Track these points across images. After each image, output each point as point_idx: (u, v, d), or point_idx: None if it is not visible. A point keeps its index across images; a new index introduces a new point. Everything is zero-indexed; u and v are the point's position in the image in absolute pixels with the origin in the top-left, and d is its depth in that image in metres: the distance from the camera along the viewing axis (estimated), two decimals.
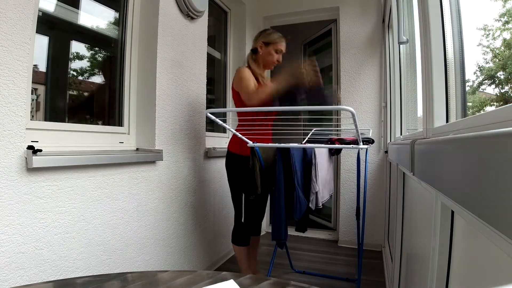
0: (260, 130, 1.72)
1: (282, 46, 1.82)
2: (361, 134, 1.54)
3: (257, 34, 1.87)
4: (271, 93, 1.61)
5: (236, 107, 1.84)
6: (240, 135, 1.63)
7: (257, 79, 1.79)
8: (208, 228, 2.19)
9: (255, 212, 1.86)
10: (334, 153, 2.14)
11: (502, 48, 0.87)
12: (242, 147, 1.77)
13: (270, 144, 1.69)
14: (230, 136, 1.90)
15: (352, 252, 2.61)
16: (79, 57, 1.50)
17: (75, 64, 1.49)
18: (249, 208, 1.82)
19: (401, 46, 1.97)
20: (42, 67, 1.31)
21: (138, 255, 1.54)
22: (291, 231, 3.11)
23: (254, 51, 1.83)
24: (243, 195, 1.82)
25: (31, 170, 1.05)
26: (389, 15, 2.29)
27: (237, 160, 1.79)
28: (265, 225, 3.20)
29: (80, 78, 1.53)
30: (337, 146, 1.72)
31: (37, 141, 1.18)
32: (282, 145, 1.62)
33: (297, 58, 3.98)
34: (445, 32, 0.84)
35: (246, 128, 1.71)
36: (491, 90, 0.92)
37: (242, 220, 1.85)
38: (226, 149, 1.86)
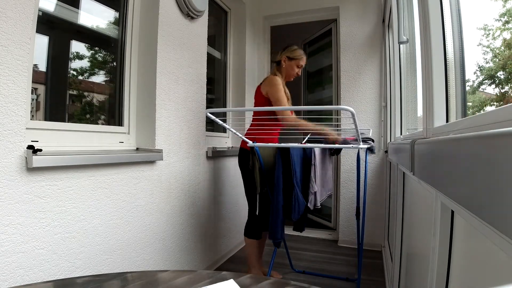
0: (271, 130, 1.82)
1: (304, 61, 1.97)
2: (361, 134, 1.54)
3: (283, 48, 2.02)
4: (301, 128, 1.82)
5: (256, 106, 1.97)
6: (240, 135, 1.64)
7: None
8: (208, 227, 2.19)
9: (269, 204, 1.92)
10: (334, 153, 2.13)
11: (502, 48, 0.87)
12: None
13: (270, 144, 1.69)
14: (229, 135, 1.92)
15: (352, 251, 2.61)
16: (79, 57, 1.50)
17: (75, 64, 1.49)
18: (263, 200, 1.90)
19: (401, 46, 1.97)
20: (42, 67, 1.31)
21: (138, 255, 1.54)
22: (292, 231, 3.11)
23: (278, 63, 1.98)
24: (258, 188, 1.88)
25: (31, 169, 1.05)
26: (389, 15, 2.29)
27: (248, 155, 1.87)
28: None
29: (80, 78, 1.53)
30: (337, 146, 1.72)
31: (37, 141, 1.18)
32: (282, 144, 1.62)
33: None
34: (445, 32, 0.84)
35: (257, 128, 1.81)
36: (491, 90, 0.92)
37: (257, 213, 1.91)
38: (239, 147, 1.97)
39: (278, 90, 1.83)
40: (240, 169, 1.97)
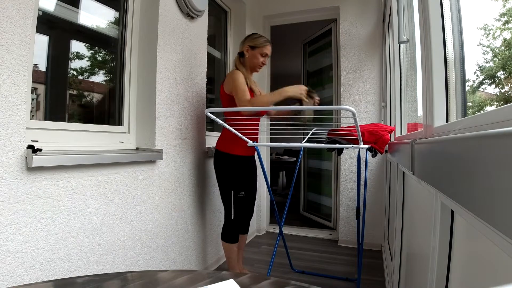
0: (248, 130, 1.74)
1: (267, 49, 1.86)
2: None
3: (244, 38, 1.93)
4: (265, 104, 1.68)
5: (223, 107, 1.87)
6: (240, 135, 1.64)
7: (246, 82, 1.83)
8: (208, 227, 2.19)
9: (246, 209, 1.92)
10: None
11: (502, 47, 0.87)
12: (229, 146, 1.83)
13: (270, 144, 1.69)
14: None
15: (352, 251, 2.61)
16: (79, 57, 1.50)
17: (75, 64, 1.49)
18: (239, 204, 1.87)
19: (401, 45, 1.97)
20: (42, 67, 1.31)
21: (138, 255, 1.54)
22: (291, 231, 3.12)
23: (241, 54, 1.89)
24: (232, 192, 1.87)
25: (31, 169, 1.05)
26: (389, 15, 2.29)
27: (225, 158, 1.85)
28: (265, 225, 3.21)
29: (80, 77, 1.53)
30: (337, 146, 1.72)
31: (37, 141, 1.18)
32: (282, 144, 1.62)
33: (296, 57, 3.98)
34: (445, 32, 0.84)
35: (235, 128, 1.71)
36: (491, 89, 0.92)
37: (232, 217, 1.89)
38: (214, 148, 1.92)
39: (237, 85, 1.72)
40: (216, 172, 1.91)
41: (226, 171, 1.87)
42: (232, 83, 1.75)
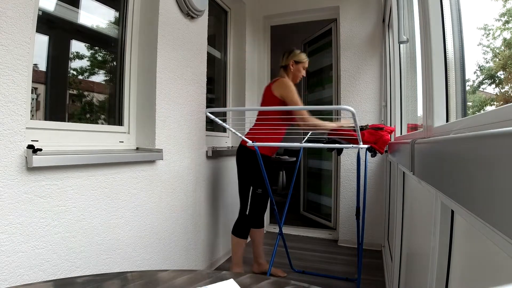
0: (277, 130, 1.86)
1: (307, 63, 2.13)
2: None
3: (287, 53, 2.11)
4: (316, 125, 1.89)
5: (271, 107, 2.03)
6: (239, 134, 1.64)
7: None
8: (208, 227, 2.19)
9: (261, 205, 2.00)
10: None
11: (503, 47, 0.87)
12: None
13: (269, 144, 1.70)
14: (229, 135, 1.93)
15: (352, 251, 2.61)
16: (79, 57, 1.50)
17: (75, 64, 1.49)
18: (255, 201, 1.95)
19: (401, 45, 1.97)
20: (42, 66, 1.31)
21: (138, 254, 1.54)
22: (291, 231, 3.12)
23: (285, 67, 2.09)
24: (251, 188, 1.95)
25: (31, 169, 1.05)
26: (389, 15, 2.29)
27: (249, 154, 1.92)
28: (265, 225, 3.21)
29: (80, 77, 1.53)
30: (336, 146, 1.72)
31: (37, 141, 1.18)
32: (281, 144, 1.62)
33: None
34: (445, 32, 0.84)
35: (262, 128, 1.87)
36: (491, 89, 0.92)
37: (247, 213, 1.96)
38: (239, 143, 2.01)
39: (294, 93, 1.93)
40: (238, 167, 2.02)
41: (250, 167, 1.94)
42: (287, 91, 1.93)
